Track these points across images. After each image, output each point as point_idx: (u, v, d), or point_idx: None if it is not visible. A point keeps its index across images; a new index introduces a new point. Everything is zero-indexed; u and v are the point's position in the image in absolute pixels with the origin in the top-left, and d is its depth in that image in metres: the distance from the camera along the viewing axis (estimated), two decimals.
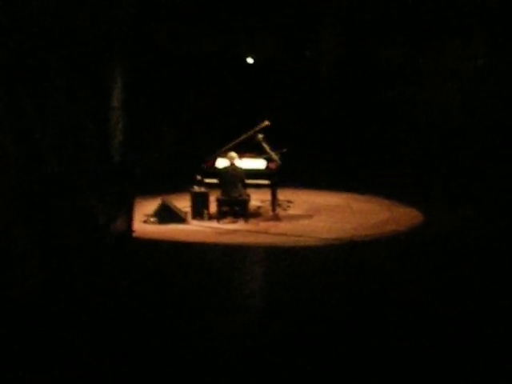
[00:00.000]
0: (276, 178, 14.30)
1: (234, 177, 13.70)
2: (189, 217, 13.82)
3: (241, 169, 13.85)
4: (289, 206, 15.19)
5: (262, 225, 13.65)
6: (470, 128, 19.76)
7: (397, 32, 20.47)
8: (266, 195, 14.62)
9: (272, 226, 13.52)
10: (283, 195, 15.24)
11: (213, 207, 14.01)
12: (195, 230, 13.25)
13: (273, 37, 21.36)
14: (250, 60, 21.34)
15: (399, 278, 9.83)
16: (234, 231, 13.17)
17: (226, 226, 13.56)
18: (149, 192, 14.86)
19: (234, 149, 14.15)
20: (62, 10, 8.24)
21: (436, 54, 20.35)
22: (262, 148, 14.57)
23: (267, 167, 14.38)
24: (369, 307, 8.58)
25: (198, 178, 14.17)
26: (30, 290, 7.31)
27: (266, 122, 14.45)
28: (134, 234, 9.37)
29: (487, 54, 19.83)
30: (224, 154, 14.13)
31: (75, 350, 6.87)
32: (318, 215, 14.52)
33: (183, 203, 14.34)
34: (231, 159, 13.77)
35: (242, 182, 13.78)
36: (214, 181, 14.08)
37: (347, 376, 6.57)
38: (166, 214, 13.58)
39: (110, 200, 8.11)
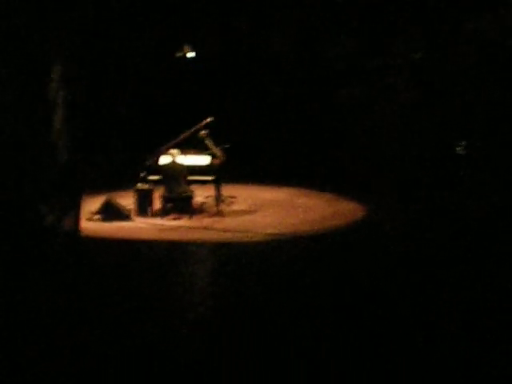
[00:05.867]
0: (220, 174, 14.38)
1: (175, 173, 13.74)
2: (133, 214, 13.82)
3: (182, 165, 13.90)
4: (232, 202, 15.28)
5: (207, 221, 13.72)
6: (416, 123, 20.12)
7: (342, 32, 20.73)
8: (210, 191, 14.67)
9: (216, 222, 13.59)
10: (227, 191, 15.32)
11: (157, 204, 14.03)
12: (139, 227, 13.24)
13: (216, 33, 21.40)
14: (190, 54, 21.33)
15: (339, 273, 9.97)
16: (178, 228, 13.21)
17: (170, 222, 13.59)
18: (93, 189, 14.81)
19: (178, 146, 14.20)
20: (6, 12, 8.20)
21: (379, 52, 20.67)
22: (206, 144, 14.65)
23: (211, 163, 14.44)
24: (311, 302, 8.71)
25: (142, 175, 14.16)
26: None
27: (209, 119, 14.53)
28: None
29: (425, 48, 20.20)
30: (167, 151, 14.17)
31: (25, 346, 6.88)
32: (261, 211, 14.65)
33: (128, 200, 14.32)
34: (173, 156, 13.83)
35: (185, 178, 13.83)
36: (158, 178, 14.10)
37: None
38: (110, 212, 13.55)
39: (57, 200, 8.12)
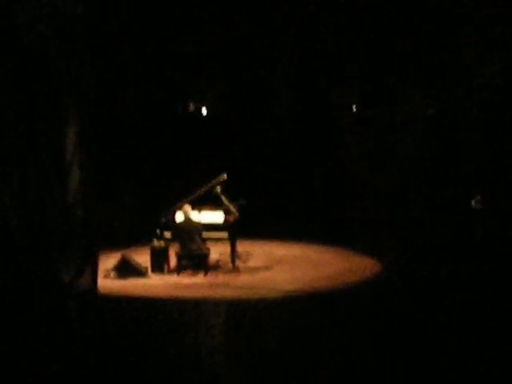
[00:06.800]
0: (234, 231, 14.39)
1: (190, 230, 13.77)
2: (149, 271, 13.82)
3: (197, 222, 13.95)
4: (248, 258, 15.27)
5: (222, 277, 13.70)
6: (423, 175, 20.13)
7: (350, 81, 20.88)
8: (226, 247, 14.66)
9: (232, 279, 13.57)
10: (242, 247, 15.32)
11: (173, 261, 14.04)
12: (155, 284, 13.24)
13: (224, 88, 21.60)
14: (203, 111, 21.58)
15: (355, 333, 9.89)
16: (194, 285, 13.19)
17: (186, 279, 13.58)
18: (109, 246, 14.83)
19: (193, 202, 14.26)
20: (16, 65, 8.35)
21: (388, 103, 20.78)
22: (221, 200, 14.70)
23: (225, 220, 14.47)
24: (328, 361, 8.65)
25: (158, 232, 14.21)
26: None
27: (224, 175, 14.61)
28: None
29: (438, 102, 20.29)
30: (182, 208, 14.20)
31: None
32: (277, 267, 14.62)
33: (144, 257, 14.32)
34: (186, 213, 13.89)
35: (200, 235, 13.86)
36: (173, 234, 14.14)
37: None
38: (126, 269, 13.59)
39: (74, 258, 8.15)
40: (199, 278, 13.61)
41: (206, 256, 13.83)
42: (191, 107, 21.47)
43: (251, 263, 14.96)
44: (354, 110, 21.65)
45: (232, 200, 14.84)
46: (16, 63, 8.47)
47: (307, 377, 8.06)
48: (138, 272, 13.61)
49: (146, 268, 13.83)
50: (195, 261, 13.94)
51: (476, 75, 18.87)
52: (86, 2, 9.11)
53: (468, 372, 8.13)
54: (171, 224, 14.27)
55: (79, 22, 9.09)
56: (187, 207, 13.95)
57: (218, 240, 14.49)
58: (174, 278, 13.59)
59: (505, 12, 17.19)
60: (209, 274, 13.79)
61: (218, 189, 14.68)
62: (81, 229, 8.39)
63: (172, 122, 21.03)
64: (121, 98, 19.14)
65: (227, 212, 14.55)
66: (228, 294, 12.45)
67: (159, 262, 13.95)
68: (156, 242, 14.09)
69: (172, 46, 19.39)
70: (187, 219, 13.84)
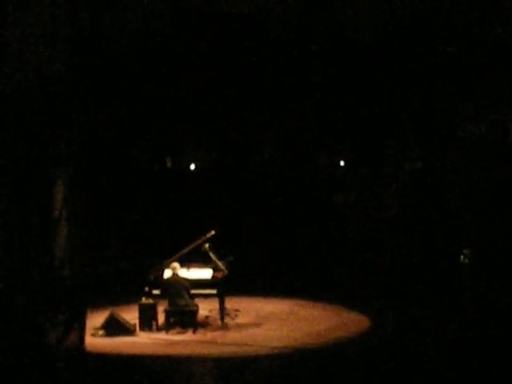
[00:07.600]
0: (223, 287, 14.36)
1: (178, 287, 13.73)
2: (137, 328, 13.74)
3: (184, 279, 13.93)
4: (237, 315, 15.22)
5: (211, 335, 13.64)
6: (408, 230, 20.24)
7: (337, 139, 21.13)
8: (214, 304, 14.61)
9: (220, 336, 13.52)
10: (231, 303, 15.28)
11: (161, 318, 13.97)
12: (143, 342, 13.16)
13: (214, 144, 21.80)
14: (192, 166, 21.74)
15: None
16: (183, 342, 13.12)
17: (175, 336, 13.50)
18: (97, 304, 14.76)
19: (182, 259, 14.26)
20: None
21: (374, 159, 21.00)
22: (209, 257, 14.71)
23: (214, 276, 14.45)
24: None
25: (146, 289, 14.18)
26: None
27: (212, 232, 14.64)
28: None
29: (424, 157, 20.51)
30: (170, 265, 14.18)
31: None
32: (265, 323, 14.57)
33: (132, 314, 14.24)
34: (174, 269, 13.88)
35: (188, 292, 13.83)
36: (161, 291, 14.10)
37: None
38: (114, 327, 13.50)
39: (61, 316, 8.13)
40: (188, 335, 13.54)
41: (194, 313, 13.78)
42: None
43: (240, 320, 14.90)
44: (342, 164, 21.89)
45: (220, 257, 14.85)
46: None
47: None
48: (127, 330, 13.53)
49: (135, 325, 13.76)
50: (184, 318, 13.89)
51: (462, 131, 19.16)
52: (69, 64, 9.27)
53: None
54: (159, 281, 14.24)
55: (64, 79, 9.23)
56: (175, 264, 13.96)
57: (206, 297, 14.44)
58: (162, 336, 13.52)
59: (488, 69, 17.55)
60: (198, 330, 13.73)
61: (207, 245, 14.69)
62: (68, 287, 8.39)
63: (159, 178, 21.18)
64: (109, 154, 19.27)
65: (216, 269, 14.55)
66: (217, 351, 12.41)
67: (147, 320, 13.87)
68: (144, 300, 14.04)
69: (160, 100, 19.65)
70: (175, 276, 13.83)
